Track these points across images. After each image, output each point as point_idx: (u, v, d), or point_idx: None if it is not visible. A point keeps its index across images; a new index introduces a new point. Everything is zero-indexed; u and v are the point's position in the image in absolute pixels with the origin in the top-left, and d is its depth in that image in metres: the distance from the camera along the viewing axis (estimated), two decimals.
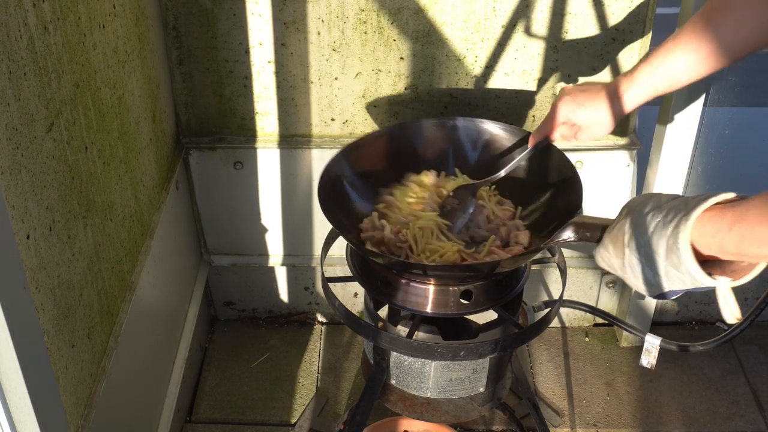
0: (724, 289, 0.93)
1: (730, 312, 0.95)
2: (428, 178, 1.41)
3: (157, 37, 1.62)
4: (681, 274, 0.91)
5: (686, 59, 1.14)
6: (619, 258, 1.00)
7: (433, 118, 1.50)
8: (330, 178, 1.34)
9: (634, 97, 1.21)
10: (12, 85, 0.95)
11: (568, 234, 1.12)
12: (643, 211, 0.96)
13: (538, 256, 1.52)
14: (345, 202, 1.37)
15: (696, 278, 0.90)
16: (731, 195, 0.88)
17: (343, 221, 1.32)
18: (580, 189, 1.26)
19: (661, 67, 1.17)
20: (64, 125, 1.12)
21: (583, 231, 1.11)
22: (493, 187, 1.44)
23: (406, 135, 1.46)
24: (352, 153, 1.40)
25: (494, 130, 1.45)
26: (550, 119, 1.31)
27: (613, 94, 1.23)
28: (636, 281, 0.98)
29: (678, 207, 0.91)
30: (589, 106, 1.26)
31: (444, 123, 1.47)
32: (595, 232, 1.08)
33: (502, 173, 1.37)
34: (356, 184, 1.40)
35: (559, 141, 1.34)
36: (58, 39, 1.09)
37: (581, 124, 1.28)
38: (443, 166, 1.46)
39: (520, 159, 1.36)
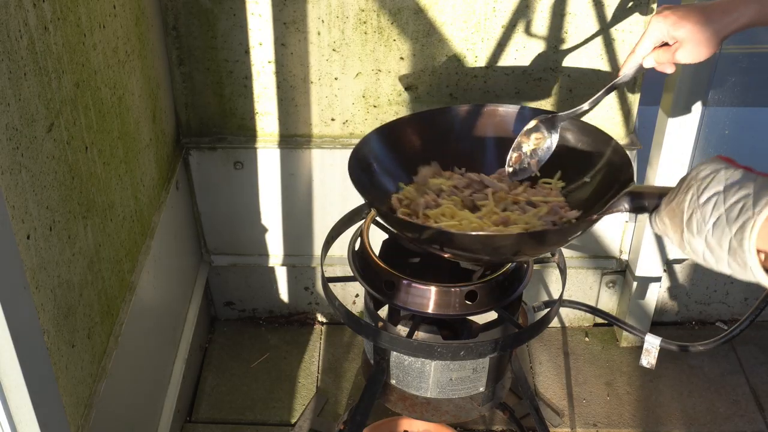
0: None
1: None
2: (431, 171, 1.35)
3: (157, 37, 1.62)
4: (745, 273, 0.86)
5: None
6: (676, 233, 0.95)
7: (469, 105, 1.44)
8: (360, 156, 1.31)
9: (742, 16, 1.13)
10: (12, 85, 0.95)
11: (623, 204, 1.09)
12: (705, 192, 0.90)
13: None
14: (373, 178, 1.34)
15: (761, 282, 0.85)
16: None
17: (373, 194, 1.29)
18: (629, 164, 1.22)
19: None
20: (64, 125, 1.12)
21: (638, 200, 1.06)
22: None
23: (442, 121, 1.41)
24: (385, 132, 1.36)
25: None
26: (646, 40, 1.20)
27: (721, 9, 1.14)
28: (695, 258, 0.93)
29: (744, 202, 0.85)
30: (695, 19, 1.15)
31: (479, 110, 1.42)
32: (651, 200, 1.04)
33: (586, 106, 1.28)
34: (385, 162, 1.36)
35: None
36: (59, 39, 1.09)
37: (683, 39, 1.15)
38: (476, 155, 1.41)
39: (608, 89, 1.26)
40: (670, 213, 0.96)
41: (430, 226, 1.22)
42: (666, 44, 1.19)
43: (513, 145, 1.31)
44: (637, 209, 1.08)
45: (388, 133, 1.38)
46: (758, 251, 0.84)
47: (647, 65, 1.22)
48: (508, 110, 1.40)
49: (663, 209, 0.98)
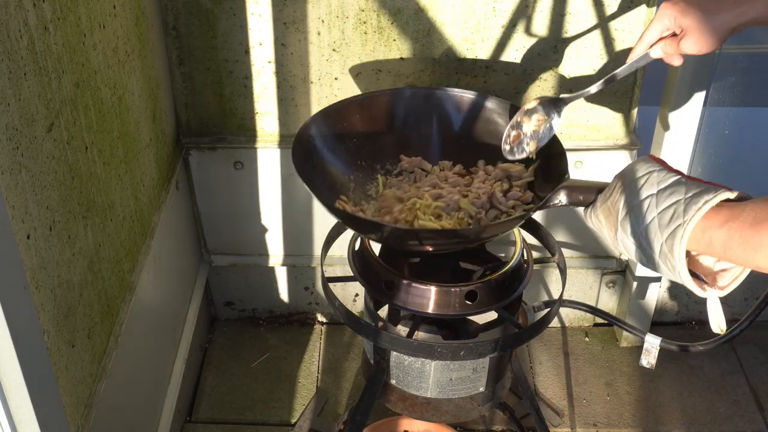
0: (714, 300, 0.93)
1: (717, 323, 0.95)
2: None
3: (157, 37, 1.62)
4: (674, 275, 0.90)
5: None
6: (611, 231, 0.98)
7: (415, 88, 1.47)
8: (304, 142, 1.30)
9: (752, 9, 1.10)
10: (12, 85, 0.95)
11: (560, 198, 1.10)
12: (640, 193, 0.93)
13: (537, 255, 1.52)
14: (323, 167, 1.35)
15: (688, 286, 0.90)
16: (732, 194, 0.86)
17: (323, 189, 1.32)
18: (564, 156, 1.23)
19: None
20: (64, 125, 1.12)
21: (575, 194, 1.09)
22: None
23: (388, 102, 1.42)
24: (330, 115, 1.36)
25: (481, 102, 1.40)
26: (653, 26, 1.17)
27: (731, 1, 1.11)
28: (628, 255, 0.97)
29: (675, 208, 0.88)
30: (703, 8, 1.12)
31: (427, 93, 1.43)
32: (588, 195, 1.06)
33: (594, 89, 1.25)
34: (334, 148, 1.36)
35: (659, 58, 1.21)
36: (59, 39, 1.09)
37: (689, 27, 1.12)
38: (425, 135, 1.42)
39: (612, 76, 1.23)
40: (605, 211, 0.99)
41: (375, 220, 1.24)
42: (674, 35, 1.17)
43: (511, 122, 1.28)
44: (573, 203, 1.09)
45: (332, 117, 1.36)
46: (687, 252, 0.88)
47: (655, 55, 1.20)
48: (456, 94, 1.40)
49: (599, 206, 1.01)
